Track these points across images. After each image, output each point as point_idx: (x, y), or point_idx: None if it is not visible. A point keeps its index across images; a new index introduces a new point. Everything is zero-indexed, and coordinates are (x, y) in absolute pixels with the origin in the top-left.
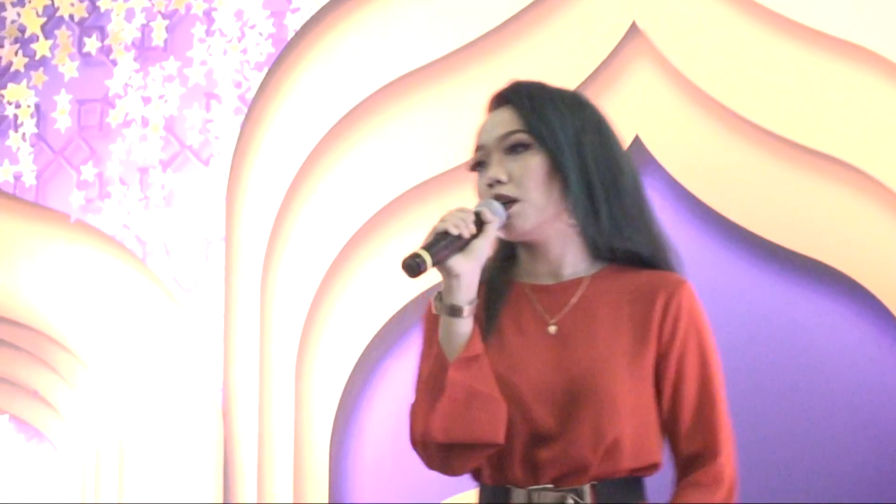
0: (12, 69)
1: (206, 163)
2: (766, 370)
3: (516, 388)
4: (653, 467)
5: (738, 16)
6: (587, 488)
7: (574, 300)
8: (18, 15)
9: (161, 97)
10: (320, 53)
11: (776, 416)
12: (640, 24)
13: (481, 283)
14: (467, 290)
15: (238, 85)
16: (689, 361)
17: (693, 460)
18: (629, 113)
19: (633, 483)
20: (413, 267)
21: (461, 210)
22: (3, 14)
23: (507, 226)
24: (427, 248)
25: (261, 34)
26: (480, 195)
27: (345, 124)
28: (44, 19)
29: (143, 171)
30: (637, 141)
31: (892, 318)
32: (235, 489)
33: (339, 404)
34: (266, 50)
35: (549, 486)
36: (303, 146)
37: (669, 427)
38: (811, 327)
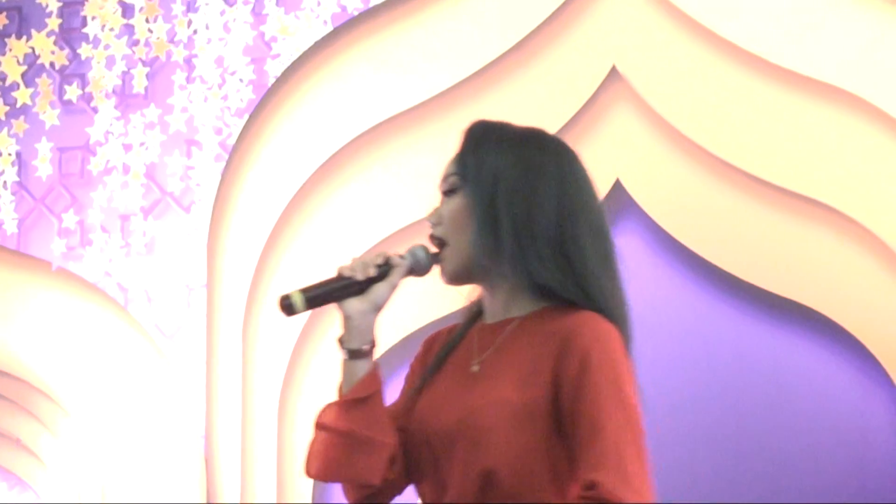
0: None
1: (188, 209)
2: (747, 413)
3: (427, 425)
4: None
5: (718, 59)
6: None
7: (498, 341)
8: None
9: (142, 144)
10: (301, 99)
11: (759, 459)
12: (619, 69)
13: (454, 326)
14: (358, 333)
15: (219, 131)
16: (580, 397)
17: (583, 484)
18: (610, 156)
19: None
20: (284, 307)
21: (377, 254)
22: None
23: (441, 268)
24: (304, 290)
25: (241, 80)
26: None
27: (326, 170)
28: (24, 67)
29: (125, 218)
30: (618, 184)
31: (876, 362)
32: None
33: None
34: (247, 96)
35: None
36: (284, 192)
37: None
38: (793, 371)
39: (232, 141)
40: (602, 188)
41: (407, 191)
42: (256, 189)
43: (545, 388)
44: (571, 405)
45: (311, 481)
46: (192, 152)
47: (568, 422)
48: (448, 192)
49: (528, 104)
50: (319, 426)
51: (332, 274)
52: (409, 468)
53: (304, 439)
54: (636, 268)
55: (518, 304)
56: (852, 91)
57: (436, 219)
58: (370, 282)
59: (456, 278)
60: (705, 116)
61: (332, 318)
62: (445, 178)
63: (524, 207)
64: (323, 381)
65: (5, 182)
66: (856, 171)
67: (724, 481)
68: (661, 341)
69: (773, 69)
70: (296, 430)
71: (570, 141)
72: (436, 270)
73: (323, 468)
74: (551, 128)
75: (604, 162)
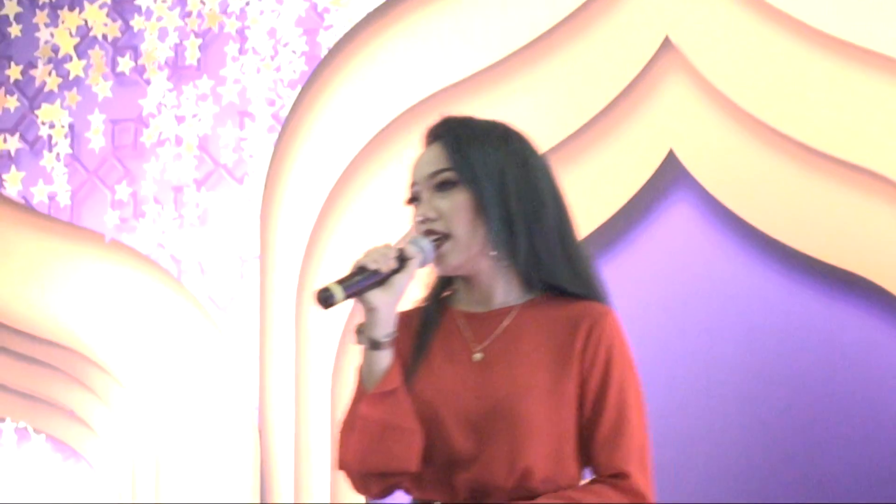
0: (46, 89)
1: (241, 181)
2: (800, 384)
3: (438, 413)
4: (571, 489)
5: (770, 29)
6: None
7: (500, 329)
8: (52, 35)
9: (195, 116)
10: (353, 71)
11: (813, 429)
12: (673, 39)
13: (418, 309)
14: (384, 324)
15: (272, 103)
16: (608, 387)
17: (609, 482)
18: (663, 127)
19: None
20: (322, 299)
21: (386, 246)
22: (37, 34)
23: (437, 261)
24: (340, 281)
25: (294, 52)
26: (415, 229)
27: (378, 141)
28: (77, 39)
29: (178, 189)
30: (671, 154)
31: None
32: None
33: None
34: (299, 68)
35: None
36: (337, 163)
37: (587, 448)
38: (848, 341)
39: (285, 112)
40: (655, 158)
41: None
42: (309, 160)
43: (573, 374)
44: (598, 396)
45: None
46: (245, 124)
47: (590, 410)
48: (441, 187)
49: (581, 75)
50: (355, 417)
51: (350, 267)
52: (429, 453)
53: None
54: (689, 237)
55: (509, 294)
56: None
57: (433, 213)
58: (391, 273)
59: (455, 270)
60: (758, 86)
61: None
62: (434, 174)
63: (530, 203)
64: None
65: (58, 154)
66: None
67: (778, 452)
68: (714, 310)
69: (826, 39)
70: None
71: (623, 111)
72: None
73: (360, 459)
74: (604, 99)
75: (657, 132)
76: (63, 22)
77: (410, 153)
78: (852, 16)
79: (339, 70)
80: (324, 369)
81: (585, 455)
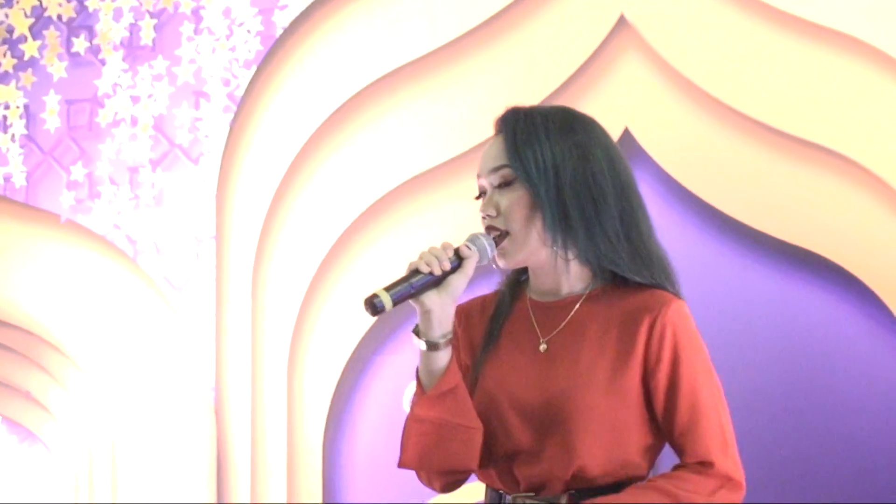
0: (1, 70)
1: (196, 161)
2: (758, 360)
3: (500, 403)
4: (634, 479)
5: (726, 6)
6: (564, 497)
7: (566, 320)
8: (6, 16)
9: (150, 96)
10: (309, 50)
11: (770, 406)
12: (628, 17)
13: (494, 294)
14: (439, 325)
15: (227, 83)
16: (678, 379)
17: (694, 469)
18: (618, 105)
19: (613, 490)
20: (372, 306)
21: (444, 246)
22: None
23: (499, 256)
24: (390, 287)
25: (249, 32)
26: (482, 224)
27: (334, 121)
28: (32, 20)
29: (133, 170)
30: (626, 132)
31: (886, 308)
32: (229, 487)
33: (332, 400)
34: (254, 47)
35: (530, 493)
36: (292, 143)
37: (670, 441)
38: (803, 317)
39: (240, 92)
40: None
41: (415, 140)
42: (265, 140)
43: (635, 369)
44: (670, 389)
45: (320, 432)
46: (201, 104)
47: (667, 404)
48: (502, 185)
49: (536, 53)
50: (415, 419)
51: (403, 270)
52: (486, 445)
53: (314, 389)
54: None
55: (576, 283)
56: (858, 37)
57: (493, 210)
58: (446, 274)
59: (518, 264)
60: (713, 64)
61: (339, 269)
62: (495, 170)
63: (588, 196)
64: (331, 332)
65: (14, 135)
66: (862, 116)
67: (736, 421)
68: None
69: (780, 16)
70: (305, 379)
71: (579, 89)
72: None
73: (419, 457)
74: (559, 77)
75: (612, 110)
76: (18, 2)
77: (368, 134)
78: None
79: (294, 50)
80: (280, 349)
81: (669, 446)
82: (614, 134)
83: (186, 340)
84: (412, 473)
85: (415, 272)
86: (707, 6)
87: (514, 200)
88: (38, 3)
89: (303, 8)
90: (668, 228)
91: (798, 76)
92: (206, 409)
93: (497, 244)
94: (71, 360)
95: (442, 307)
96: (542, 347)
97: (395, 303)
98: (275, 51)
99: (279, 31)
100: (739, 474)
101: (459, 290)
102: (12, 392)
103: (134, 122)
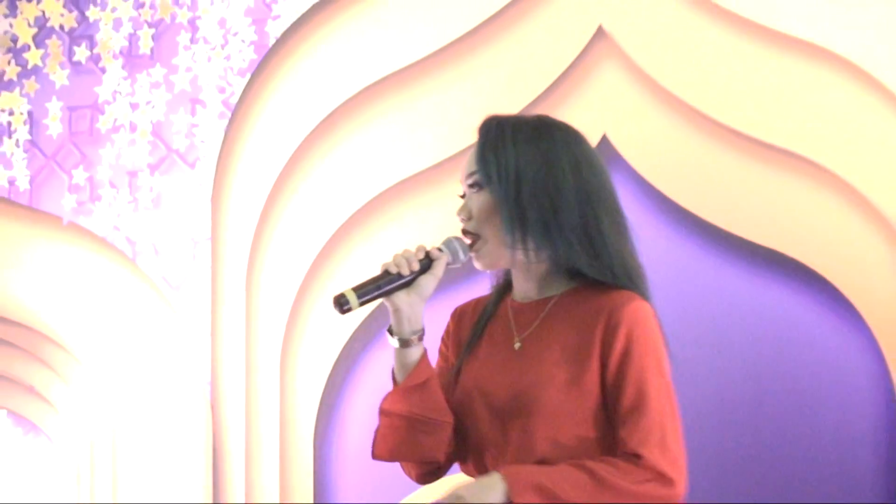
0: (5, 78)
1: (193, 166)
2: (729, 357)
3: (473, 398)
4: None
5: (700, 17)
6: None
7: (538, 319)
8: (11, 25)
9: (148, 103)
10: (301, 59)
11: (741, 402)
12: (606, 28)
13: (484, 298)
14: (409, 323)
15: (222, 90)
16: (627, 369)
17: (624, 458)
18: (597, 112)
19: None
20: (339, 305)
21: (418, 248)
22: None
23: (475, 258)
24: (358, 286)
25: (243, 41)
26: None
27: (324, 126)
28: (35, 29)
29: (132, 174)
30: (604, 139)
31: (852, 307)
32: (224, 477)
33: (323, 394)
34: (248, 56)
35: None
36: (285, 148)
37: (614, 432)
38: (772, 316)
39: (234, 99)
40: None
41: (401, 146)
42: (258, 145)
43: (593, 364)
44: (617, 380)
45: (311, 424)
46: (197, 110)
47: (613, 395)
48: (474, 188)
49: (519, 62)
50: (383, 412)
51: (376, 270)
52: (462, 439)
53: (305, 383)
54: None
55: (550, 285)
56: (827, 47)
57: (465, 214)
58: (415, 275)
59: (490, 266)
60: (689, 73)
61: (330, 269)
62: (469, 175)
63: (547, 200)
64: (322, 328)
65: (18, 140)
66: (832, 124)
67: (708, 420)
68: None
69: (753, 27)
70: (297, 374)
71: (559, 97)
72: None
73: (389, 450)
74: (541, 85)
75: (591, 117)
76: (21, 13)
77: (357, 139)
78: (777, 5)
79: (286, 59)
80: (272, 345)
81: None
82: (592, 140)
83: (183, 337)
84: (398, 467)
85: (385, 273)
86: (682, 18)
87: (482, 204)
88: (40, 13)
89: (294, 18)
90: (644, 231)
91: (769, 85)
92: (203, 403)
93: (472, 247)
94: (73, 355)
95: (411, 306)
96: (517, 346)
97: (362, 302)
98: (268, 60)
99: (272, 41)
100: (675, 472)
101: (428, 290)
102: (16, 386)
103: (133, 128)
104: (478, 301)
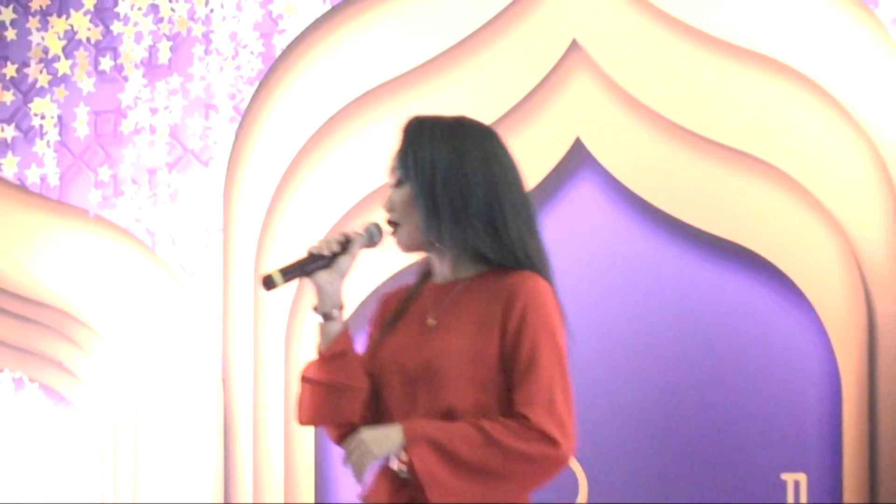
0: (38, 85)
1: (206, 164)
2: (694, 340)
3: (387, 369)
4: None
5: (666, 33)
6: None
7: (450, 298)
8: (43, 38)
9: (166, 108)
10: (304, 68)
11: (701, 379)
12: (579, 41)
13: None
14: (329, 298)
15: (233, 97)
16: (522, 338)
17: (514, 417)
18: (571, 117)
19: None
20: (265, 283)
21: (340, 233)
22: (30, 38)
23: (396, 243)
24: (283, 268)
25: (252, 53)
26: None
27: (325, 129)
28: (64, 42)
29: (152, 172)
30: (578, 141)
31: (801, 294)
32: (234, 445)
33: None
34: (257, 66)
35: None
36: (290, 148)
37: (510, 390)
38: (731, 302)
39: (244, 105)
40: (564, 145)
41: (393, 146)
42: (266, 146)
43: (493, 336)
44: (513, 349)
45: None
46: (210, 115)
47: (509, 363)
48: (396, 183)
49: (501, 71)
50: (305, 380)
51: (304, 254)
52: (379, 405)
53: (308, 358)
54: (594, 214)
55: (462, 268)
56: (781, 61)
57: (389, 206)
58: (335, 256)
59: (409, 250)
60: (656, 83)
61: None
62: (392, 172)
63: (458, 192)
64: None
65: (49, 141)
66: (783, 129)
67: (672, 397)
68: (615, 277)
69: (714, 42)
70: (301, 351)
71: (537, 104)
72: (387, 242)
73: (311, 415)
74: (521, 91)
75: (565, 122)
76: (52, 27)
77: (355, 141)
78: (734, 21)
79: (291, 68)
80: (279, 325)
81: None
82: (567, 142)
83: (197, 318)
84: None
85: (309, 255)
86: (650, 33)
87: (403, 197)
88: (69, 27)
89: (298, 33)
90: (613, 225)
91: (728, 94)
92: (215, 378)
93: (393, 233)
94: (97, 333)
95: (331, 283)
96: (431, 322)
97: (286, 280)
98: (274, 69)
99: (278, 52)
100: (560, 433)
101: (345, 268)
102: (47, 362)
103: (152, 130)
104: (404, 288)
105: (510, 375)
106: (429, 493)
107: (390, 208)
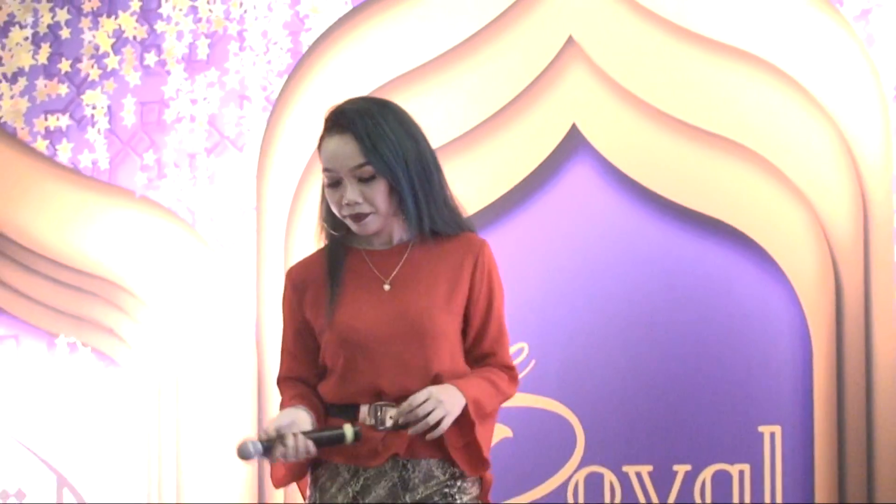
0: (89, 79)
1: (241, 150)
2: (678, 308)
3: (360, 333)
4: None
5: (655, 29)
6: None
7: (402, 262)
8: (94, 37)
9: (205, 99)
10: (328, 63)
11: (687, 342)
12: (575, 37)
13: (319, 253)
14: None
15: (265, 88)
16: (483, 297)
17: (482, 358)
18: (567, 105)
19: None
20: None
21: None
22: (82, 36)
23: (360, 228)
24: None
25: (281, 49)
26: (334, 205)
27: None
28: (113, 40)
29: (192, 156)
30: (574, 127)
31: (776, 264)
32: (267, 401)
33: None
34: (286, 61)
35: (392, 403)
36: (315, 135)
37: (478, 345)
38: (712, 271)
39: (274, 96)
40: (561, 130)
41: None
42: (294, 133)
43: (463, 292)
44: (486, 309)
45: None
46: (244, 105)
47: (480, 319)
48: (363, 179)
49: (502, 66)
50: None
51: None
52: (334, 369)
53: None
54: (589, 193)
55: (399, 233)
56: (756, 53)
57: (360, 198)
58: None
59: (374, 232)
60: (645, 74)
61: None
62: (358, 168)
63: (424, 174)
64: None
65: (99, 129)
66: (759, 116)
67: (662, 359)
68: (608, 250)
69: (697, 37)
70: None
71: (536, 93)
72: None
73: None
74: (521, 84)
75: (562, 110)
76: (102, 26)
77: None
78: (717, 19)
79: (316, 62)
80: None
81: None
82: (564, 129)
83: (233, 288)
84: None
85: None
86: (640, 30)
87: (378, 190)
88: (118, 26)
89: (322, 31)
90: (606, 202)
91: (709, 84)
92: (250, 340)
93: (358, 222)
94: (144, 302)
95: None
96: (387, 287)
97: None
98: (301, 63)
99: (305, 48)
100: (512, 363)
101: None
102: (99, 328)
103: (192, 119)
104: (310, 261)
105: (481, 328)
106: (470, 446)
107: (361, 201)
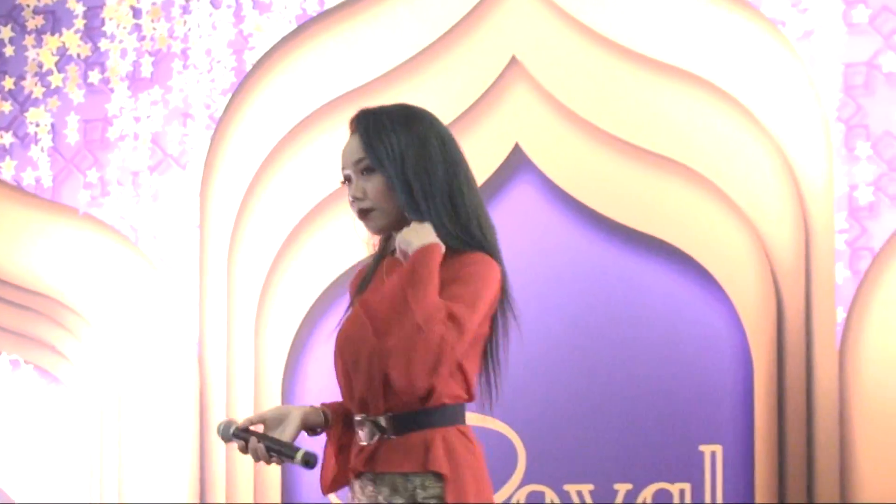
0: (33, 97)
1: (184, 167)
2: (622, 327)
3: (338, 347)
4: (442, 403)
5: (597, 49)
6: (383, 418)
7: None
8: (38, 54)
9: (148, 117)
10: (271, 81)
11: (624, 362)
12: (518, 57)
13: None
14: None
15: (208, 106)
16: (457, 279)
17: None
18: (510, 125)
19: (430, 414)
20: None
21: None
22: (26, 54)
23: (367, 226)
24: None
25: (225, 67)
26: (350, 204)
27: (291, 135)
28: (57, 57)
29: (135, 174)
30: (517, 147)
31: (717, 284)
32: (209, 417)
33: (290, 350)
34: (229, 79)
35: (364, 416)
36: (259, 153)
37: None
38: (655, 292)
39: (218, 114)
40: (504, 150)
41: (346, 140)
42: (237, 151)
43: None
44: (459, 277)
45: (280, 370)
46: (188, 123)
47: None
48: (364, 172)
49: (447, 84)
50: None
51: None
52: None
53: (275, 342)
54: (531, 212)
55: None
56: (698, 74)
57: (360, 194)
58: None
59: (380, 232)
60: (587, 94)
61: (297, 249)
62: (357, 162)
63: (425, 173)
64: (289, 298)
65: (42, 147)
66: (700, 135)
67: (603, 377)
68: (550, 269)
69: (639, 57)
70: (268, 336)
71: (480, 112)
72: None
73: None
74: (465, 102)
75: (505, 129)
76: (46, 44)
77: (317, 146)
78: (657, 38)
79: (259, 81)
80: (249, 312)
81: None
82: (506, 148)
83: (176, 305)
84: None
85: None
86: (582, 49)
87: (376, 184)
88: (62, 44)
89: (266, 49)
90: (547, 222)
91: (651, 104)
92: (192, 358)
93: (364, 219)
94: (86, 320)
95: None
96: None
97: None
98: (245, 82)
99: (248, 67)
100: (466, 321)
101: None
102: (40, 345)
103: (136, 137)
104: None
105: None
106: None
107: (362, 196)
